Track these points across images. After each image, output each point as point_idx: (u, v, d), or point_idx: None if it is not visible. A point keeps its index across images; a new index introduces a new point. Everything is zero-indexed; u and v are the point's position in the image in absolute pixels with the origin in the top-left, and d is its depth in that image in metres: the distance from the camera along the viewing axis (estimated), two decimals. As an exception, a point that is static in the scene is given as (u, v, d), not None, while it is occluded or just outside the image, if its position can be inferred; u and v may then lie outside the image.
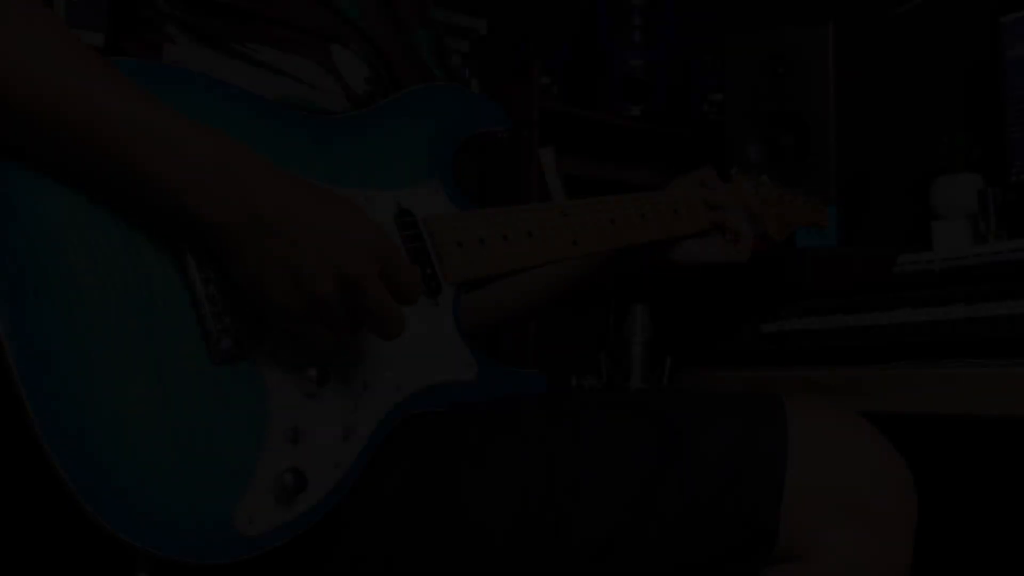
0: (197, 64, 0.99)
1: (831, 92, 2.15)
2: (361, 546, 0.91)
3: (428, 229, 1.02)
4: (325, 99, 1.03)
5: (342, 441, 0.88)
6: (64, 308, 0.77)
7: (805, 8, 2.44)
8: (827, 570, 0.89)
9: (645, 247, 1.23)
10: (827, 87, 2.15)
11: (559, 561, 0.89)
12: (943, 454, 1.92)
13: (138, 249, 0.82)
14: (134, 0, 1.02)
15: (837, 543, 0.89)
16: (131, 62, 0.90)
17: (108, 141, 0.78)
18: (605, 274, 1.30)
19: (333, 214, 0.85)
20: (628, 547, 0.89)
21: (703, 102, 2.61)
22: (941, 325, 1.35)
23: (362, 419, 0.90)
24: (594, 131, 2.54)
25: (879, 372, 1.36)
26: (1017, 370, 1.22)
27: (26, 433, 0.73)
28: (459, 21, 2.19)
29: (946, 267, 1.62)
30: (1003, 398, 1.23)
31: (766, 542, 0.89)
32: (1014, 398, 1.22)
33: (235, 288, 0.86)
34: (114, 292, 0.80)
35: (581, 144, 2.65)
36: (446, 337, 1.01)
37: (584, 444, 0.92)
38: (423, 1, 1.18)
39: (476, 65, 2.19)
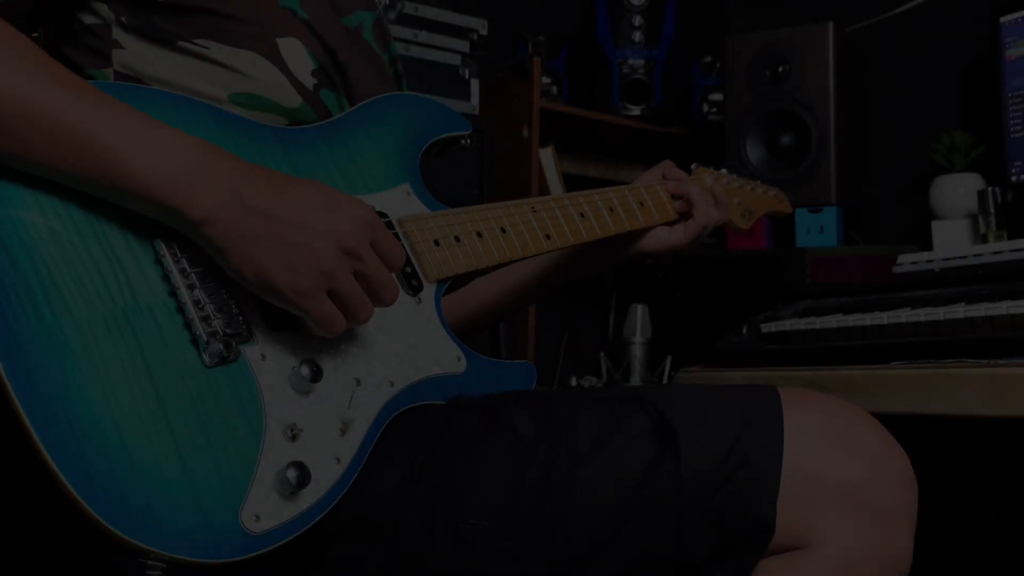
0: (148, 65, 1.00)
1: (831, 92, 2.15)
2: (359, 544, 0.91)
3: (404, 229, 1.03)
4: (276, 94, 1.03)
5: (340, 436, 0.89)
6: (51, 321, 0.77)
7: (805, 8, 2.44)
8: (826, 561, 0.89)
9: (618, 239, 1.26)
10: (827, 87, 2.15)
11: (558, 556, 0.89)
12: (943, 454, 1.92)
13: (118, 258, 0.83)
14: (78, 7, 1.02)
15: (836, 534, 0.89)
16: (103, 84, 0.92)
17: (92, 148, 0.79)
18: (585, 266, 1.32)
19: (318, 194, 0.88)
20: (626, 541, 0.89)
21: (703, 102, 2.61)
22: (941, 325, 1.35)
23: (358, 414, 0.91)
24: (594, 131, 2.54)
25: (879, 372, 1.36)
26: (1017, 370, 1.22)
27: (28, 447, 0.73)
28: (459, 21, 2.19)
29: (946, 267, 1.62)
30: (1003, 398, 1.23)
31: (764, 533, 0.88)
32: (1014, 398, 1.22)
33: (231, 288, 0.87)
34: (99, 302, 0.80)
35: (581, 144, 2.65)
36: (432, 333, 1.02)
37: (580, 439, 0.92)
38: None
39: (476, 65, 2.19)
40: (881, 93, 2.37)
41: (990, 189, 1.86)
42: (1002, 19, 1.92)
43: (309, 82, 1.06)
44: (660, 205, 1.31)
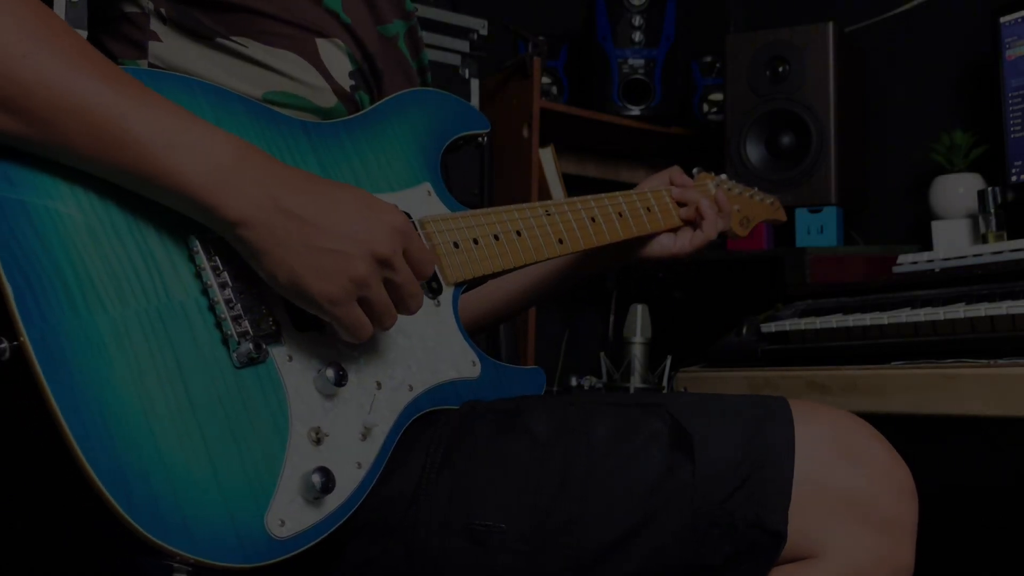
0: (184, 60, 0.99)
1: (831, 92, 2.15)
2: (376, 544, 0.91)
3: (425, 231, 1.03)
4: (311, 94, 1.03)
5: (361, 441, 0.89)
6: (85, 317, 0.77)
7: (805, 8, 2.44)
8: (834, 571, 0.89)
9: (624, 243, 1.28)
10: (827, 87, 2.15)
11: (572, 557, 0.90)
12: (942, 454, 1.92)
13: (153, 254, 0.82)
14: None
15: (844, 544, 0.89)
16: (136, 69, 0.91)
17: (131, 144, 0.79)
18: (588, 269, 1.34)
19: (353, 199, 0.87)
20: (638, 547, 0.89)
21: (703, 102, 2.61)
22: (941, 325, 1.35)
23: (378, 419, 0.91)
24: (594, 131, 2.54)
25: (879, 372, 1.36)
26: (1017, 370, 1.22)
27: (60, 445, 0.73)
28: (459, 21, 2.19)
29: (946, 267, 1.62)
30: (1003, 398, 1.23)
31: (775, 541, 0.89)
32: (1014, 398, 1.22)
33: (260, 288, 0.86)
34: (132, 299, 0.80)
35: (581, 144, 2.65)
36: (450, 336, 1.02)
37: (596, 443, 0.93)
38: None
39: (476, 65, 2.19)
40: (881, 93, 2.37)
41: (990, 189, 1.86)
42: (1002, 19, 1.92)
43: (346, 83, 1.05)
44: (666, 211, 1.32)
